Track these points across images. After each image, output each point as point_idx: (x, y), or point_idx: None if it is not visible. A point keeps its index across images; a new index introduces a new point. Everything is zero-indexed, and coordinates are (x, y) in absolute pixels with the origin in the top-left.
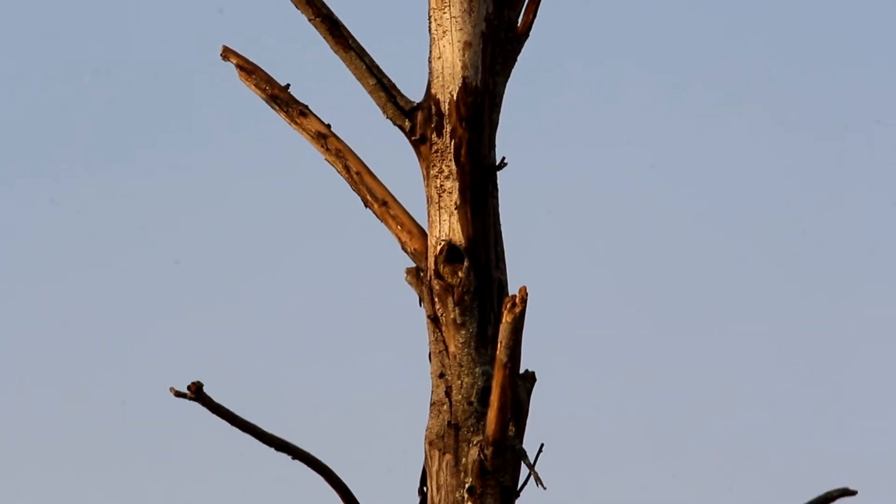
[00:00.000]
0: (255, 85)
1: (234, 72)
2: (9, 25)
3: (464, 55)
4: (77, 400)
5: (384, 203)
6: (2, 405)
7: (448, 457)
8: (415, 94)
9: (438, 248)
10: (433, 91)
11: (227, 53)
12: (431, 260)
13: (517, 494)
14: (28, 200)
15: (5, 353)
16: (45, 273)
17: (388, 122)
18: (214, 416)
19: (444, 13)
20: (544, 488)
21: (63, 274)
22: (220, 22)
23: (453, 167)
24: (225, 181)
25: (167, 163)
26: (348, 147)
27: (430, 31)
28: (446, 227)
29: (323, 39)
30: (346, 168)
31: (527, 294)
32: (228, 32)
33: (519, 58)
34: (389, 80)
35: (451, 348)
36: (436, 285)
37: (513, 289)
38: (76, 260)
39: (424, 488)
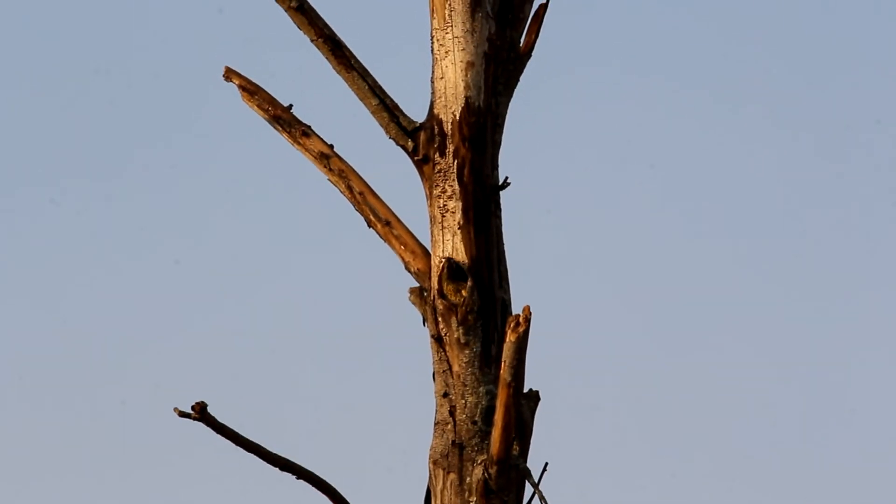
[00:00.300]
0: (258, 106)
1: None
2: (9, 25)
3: (466, 75)
4: (77, 400)
5: (387, 223)
6: (1, 405)
7: (452, 476)
8: (417, 115)
9: (440, 265)
10: (436, 111)
11: (229, 74)
12: (435, 279)
13: None
14: (28, 200)
15: (5, 354)
16: (45, 273)
17: (391, 142)
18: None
19: (447, 33)
20: None
21: (63, 274)
22: (221, 22)
23: (456, 187)
24: (226, 180)
25: (167, 163)
26: (351, 167)
27: (432, 51)
28: (449, 246)
29: (325, 60)
30: (349, 188)
31: (530, 313)
32: (228, 33)
33: (521, 78)
34: (392, 101)
35: (455, 368)
36: (439, 305)
37: (516, 308)
38: (76, 260)
39: None
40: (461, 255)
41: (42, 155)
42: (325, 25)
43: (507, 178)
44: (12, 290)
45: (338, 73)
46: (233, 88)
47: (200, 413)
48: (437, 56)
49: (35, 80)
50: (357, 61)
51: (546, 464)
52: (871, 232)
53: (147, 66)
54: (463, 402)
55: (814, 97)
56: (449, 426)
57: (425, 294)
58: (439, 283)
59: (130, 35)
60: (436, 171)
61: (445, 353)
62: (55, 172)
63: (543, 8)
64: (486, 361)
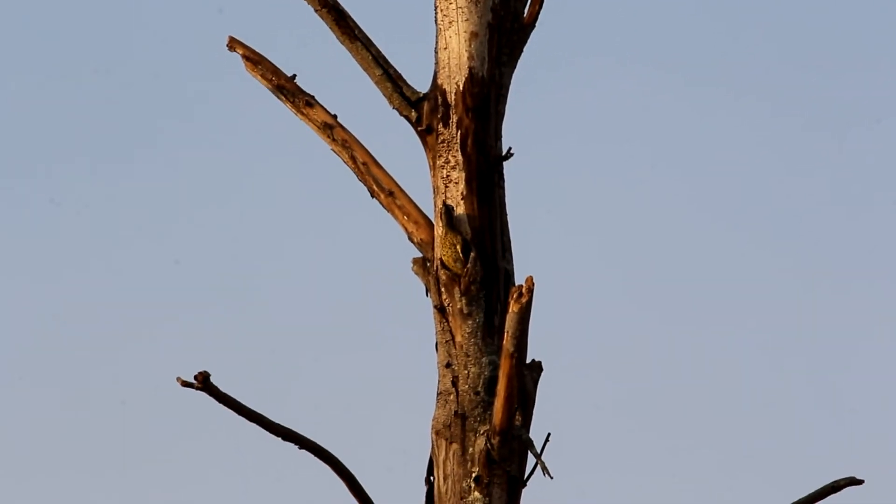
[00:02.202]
0: (261, 75)
1: (235, 71)
2: (9, 25)
3: (470, 45)
4: (77, 399)
5: (390, 193)
6: (1, 405)
7: (455, 446)
8: (421, 85)
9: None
10: (439, 81)
11: (233, 44)
12: (438, 250)
13: (524, 484)
14: (28, 200)
15: (5, 353)
16: (45, 273)
17: (395, 112)
18: (220, 407)
19: (451, 3)
20: (551, 478)
21: (63, 273)
22: (220, 22)
23: (460, 157)
24: (226, 180)
25: (167, 162)
26: (354, 137)
27: (436, 21)
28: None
29: (329, 30)
30: (353, 158)
31: (533, 284)
32: (228, 33)
33: (525, 48)
34: (395, 71)
35: (458, 338)
36: (442, 275)
37: (519, 278)
38: (76, 260)
39: (431, 477)
40: (464, 226)
41: (42, 155)
42: None
43: (510, 148)
44: (12, 289)
45: (341, 43)
46: (232, 88)
47: (203, 383)
48: (441, 26)
49: (35, 80)
50: (360, 31)
51: (549, 434)
52: (871, 231)
53: (147, 66)
54: (466, 372)
55: (815, 96)
56: (451, 396)
57: (428, 264)
58: (441, 251)
59: (130, 35)
60: (439, 141)
61: (448, 324)
62: (55, 172)
63: None
64: (489, 332)
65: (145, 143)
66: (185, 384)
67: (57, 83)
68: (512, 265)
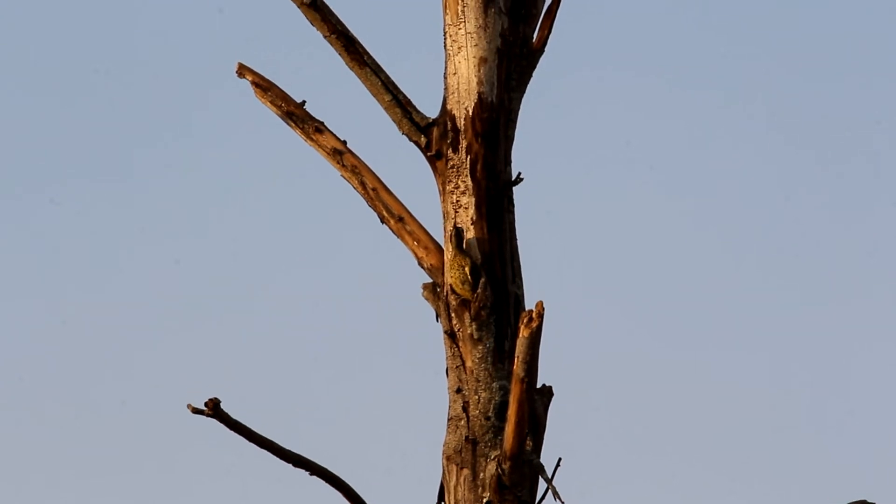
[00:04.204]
0: (271, 102)
1: (234, 72)
2: (9, 25)
3: (479, 71)
4: (77, 400)
5: (400, 219)
6: (1, 405)
7: (466, 471)
8: (430, 110)
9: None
10: (449, 107)
11: (242, 71)
12: (447, 275)
13: None
14: (28, 200)
15: (5, 353)
16: (45, 273)
17: (404, 137)
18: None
19: (460, 29)
20: (562, 502)
21: (63, 274)
22: (221, 22)
23: (469, 183)
24: (226, 181)
25: (167, 162)
26: (364, 163)
27: (445, 47)
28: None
29: (338, 57)
30: (363, 184)
31: (543, 309)
32: (229, 33)
33: (534, 73)
34: (405, 96)
35: (468, 363)
36: (452, 300)
37: (529, 303)
38: (76, 260)
39: (442, 503)
40: (474, 251)
41: (42, 155)
42: (339, 22)
43: (519, 173)
44: (12, 290)
45: (351, 69)
46: (233, 87)
47: (214, 409)
48: (450, 52)
49: (35, 80)
50: (370, 57)
51: (560, 459)
52: (872, 232)
53: (147, 66)
54: (476, 397)
55: (814, 98)
56: (462, 422)
57: (438, 290)
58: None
59: (130, 35)
60: (449, 166)
61: (458, 349)
62: (55, 172)
63: (556, 3)
64: (500, 357)
65: (145, 143)
66: (196, 411)
67: (57, 83)
68: (522, 290)
